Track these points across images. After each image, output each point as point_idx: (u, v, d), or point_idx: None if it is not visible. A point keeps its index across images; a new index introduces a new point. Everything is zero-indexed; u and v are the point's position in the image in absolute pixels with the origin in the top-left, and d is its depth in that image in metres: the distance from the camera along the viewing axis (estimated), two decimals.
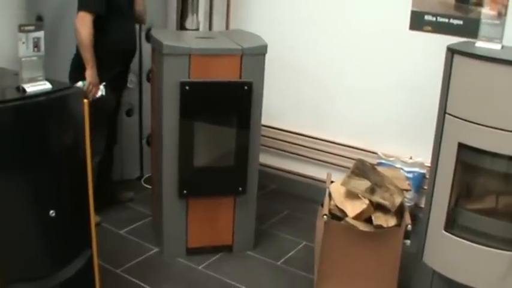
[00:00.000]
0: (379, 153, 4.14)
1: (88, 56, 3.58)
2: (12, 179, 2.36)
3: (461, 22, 3.71)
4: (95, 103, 3.55)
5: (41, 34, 2.45)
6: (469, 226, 3.07)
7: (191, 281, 3.45)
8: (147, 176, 4.68)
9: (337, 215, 3.15)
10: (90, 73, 3.60)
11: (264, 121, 3.63)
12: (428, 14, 3.82)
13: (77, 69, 3.66)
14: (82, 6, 3.56)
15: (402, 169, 3.94)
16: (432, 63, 3.61)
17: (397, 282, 3.18)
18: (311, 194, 4.38)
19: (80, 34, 3.55)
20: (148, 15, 4.32)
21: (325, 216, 3.10)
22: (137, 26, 4.16)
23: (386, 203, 3.06)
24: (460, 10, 3.71)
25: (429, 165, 3.33)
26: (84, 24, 3.53)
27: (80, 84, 2.58)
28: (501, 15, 3.48)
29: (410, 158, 4.04)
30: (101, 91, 3.65)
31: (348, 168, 3.51)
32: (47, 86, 2.47)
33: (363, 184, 3.12)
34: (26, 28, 2.40)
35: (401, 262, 3.15)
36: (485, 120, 2.82)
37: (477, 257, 2.97)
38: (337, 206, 3.17)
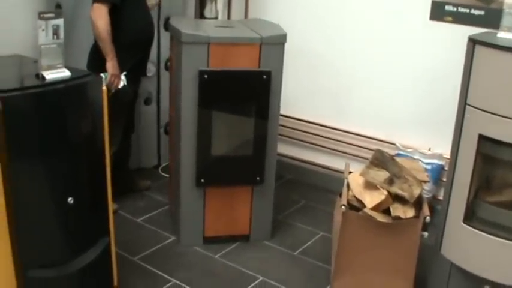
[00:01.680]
0: (398, 144, 4.12)
1: (107, 48, 3.56)
2: (31, 166, 2.38)
3: (482, 12, 3.67)
4: (114, 92, 3.57)
5: (60, 22, 2.46)
6: (488, 219, 3.04)
7: (208, 270, 3.45)
8: (164, 164, 4.69)
9: (355, 206, 3.14)
10: (110, 65, 3.58)
11: (282, 111, 3.61)
12: (449, 4, 3.79)
13: (96, 60, 3.65)
14: None
15: (421, 160, 3.91)
16: (452, 54, 3.59)
17: (414, 274, 3.16)
18: (328, 184, 4.37)
19: (97, 27, 3.52)
20: (167, 3, 4.33)
21: (343, 207, 3.08)
22: (155, 15, 4.17)
23: (404, 194, 3.05)
24: (481, 0, 3.67)
25: (448, 157, 3.30)
26: (100, 16, 3.50)
27: (101, 76, 2.60)
28: None
29: (429, 150, 4.02)
30: (123, 81, 3.64)
31: (366, 158, 3.50)
32: (66, 73, 2.48)
33: (381, 175, 3.10)
34: (46, 16, 2.41)
35: (419, 254, 3.14)
36: (506, 112, 2.78)
37: (496, 249, 2.94)
38: (355, 197, 3.15)
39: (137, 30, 3.76)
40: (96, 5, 3.51)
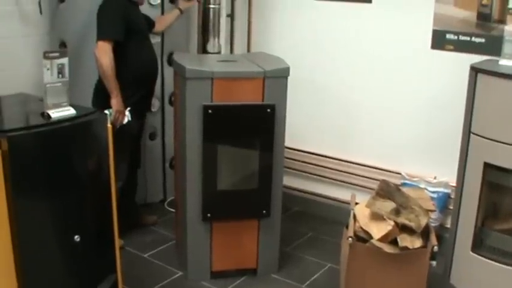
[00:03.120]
0: (403, 174, 4.11)
1: (112, 85, 3.60)
2: (37, 205, 2.38)
3: (483, 40, 3.69)
4: (119, 128, 3.58)
5: (65, 61, 2.48)
6: (496, 247, 3.03)
7: None
8: (170, 199, 4.68)
9: (362, 237, 3.12)
10: (115, 102, 3.62)
11: (287, 143, 3.62)
12: (449, 32, 3.80)
13: (100, 96, 3.68)
14: (101, 36, 3.58)
15: (426, 189, 3.89)
16: (455, 82, 3.60)
17: None
18: (335, 215, 4.35)
19: (102, 64, 3.56)
20: (170, 39, 4.37)
21: (350, 239, 3.07)
22: (158, 51, 4.21)
23: (411, 224, 3.03)
24: (481, 28, 3.69)
25: (454, 184, 3.30)
26: (104, 53, 3.54)
27: (106, 112, 2.63)
28: None
29: (435, 178, 4.00)
30: (127, 117, 3.67)
31: (372, 189, 3.49)
32: (71, 111, 2.50)
33: (387, 205, 3.09)
34: (51, 55, 2.44)
35: (428, 283, 3.11)
36: (511, 139, 2.79)
37: (506, 278, 2.93)
38: (362, 228, 3.14)
39: (141, 66, 3.80)
40: (100, 43, 3.55)
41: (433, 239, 3.06)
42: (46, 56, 2.43)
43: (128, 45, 3.67)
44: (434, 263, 3.09)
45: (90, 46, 3.72)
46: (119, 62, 3.61)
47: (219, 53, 4.36)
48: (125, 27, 3.63)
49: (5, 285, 2.30)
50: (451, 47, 3.81)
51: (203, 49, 4.38)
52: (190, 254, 3.60)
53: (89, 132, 2.57)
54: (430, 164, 4.04)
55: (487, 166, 2.92)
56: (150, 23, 4.05)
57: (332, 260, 3.86)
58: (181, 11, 4.22)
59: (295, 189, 4.66)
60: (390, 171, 4.17)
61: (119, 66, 3.61)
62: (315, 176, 4.58)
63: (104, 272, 2.73)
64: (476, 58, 3.37)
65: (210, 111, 3.34)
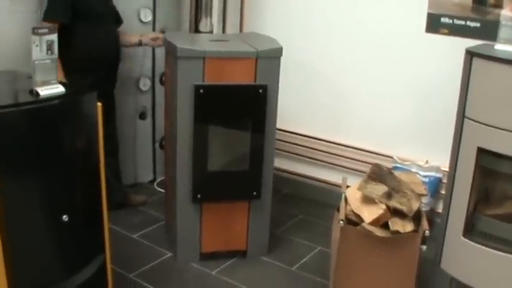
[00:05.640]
0: (395, 157, 4.09)
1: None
2: (25, 184, 2.34)
3: (478, 24, 3.66)
4: None
5: (54, 37, 2.44)
6: (488, 232, 3.02)
7: (204, 287, 3.41)
8: (160, 179, 4.66)
9: (353, 220, 3.10)
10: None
11: (278, 125, 3.59)
12: (444, 16, 3.77)
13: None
14: (45, 16, 3.53)
15: (418, 173, 3.88)
16: (449, 66, 3.58)
17: None
18: (326, 198, 4.34)
19: None
20: (161, 17, 4.31)
21: (341, 222, 3.05)
22: (149, 29, 4.16)
23: (403, 208, 3.01)
24: (477, 12, 3.66)
25: (445, 169, 3.28)
26: None
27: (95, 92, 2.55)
28: None
29: (426, 162, 3.99)
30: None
31: (363, 172, 3.47)
32: (60, 89, 2.45)
33: (379, 189, 3.07)
34: (40, 31, 2.39)
35: (419, 268, 3.10)
36: (505, 124, 2.78)
37: (497, 263, 2.93)
38: (353, 211, 3.12)
39: (91, 49, 3.73)
40: (44, 24, 3.47)
41: (425, 224, 3.04)
42: (35, 32, 2.38)
43: (75, 27, 3.61)
44: (424, 247, 3.08)
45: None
46: (63, 43, 3.51)
47: (211, 32, 4.32)
48: (72, 9, 3.57)
49: None
50: (446, 31, 3.78)
51: (195, 28, 4.32)
52: (179, 235, 3.58)
53: (78, 110, 2.53)
54: (422, 148, 4.03)
55: (481, 151, 2.91)
56: (118, 17, 4.00)
57: (322, 243, 3.85)
58: (140, 43, 4.09)
59: (285, 171, 4.64)
60: (382, 155, 4.16)
61: (63, 47, 3.51)
62: (305, 158, 4.56)
63: (93, 252, 2.71)
64: (470, 42, 3.34)
65: (201, 91, 3.31)
